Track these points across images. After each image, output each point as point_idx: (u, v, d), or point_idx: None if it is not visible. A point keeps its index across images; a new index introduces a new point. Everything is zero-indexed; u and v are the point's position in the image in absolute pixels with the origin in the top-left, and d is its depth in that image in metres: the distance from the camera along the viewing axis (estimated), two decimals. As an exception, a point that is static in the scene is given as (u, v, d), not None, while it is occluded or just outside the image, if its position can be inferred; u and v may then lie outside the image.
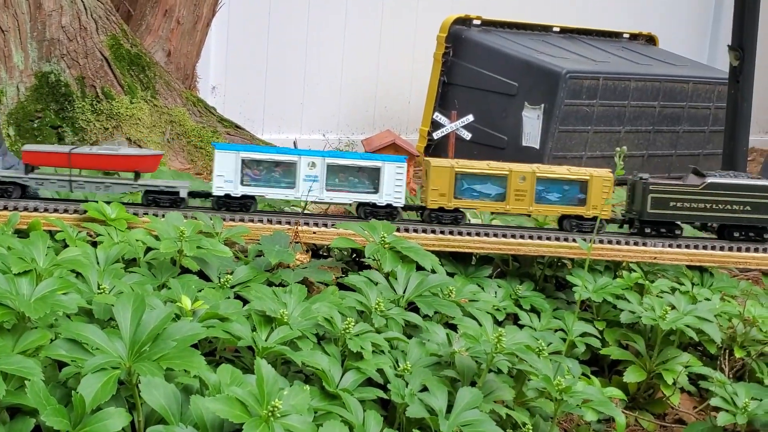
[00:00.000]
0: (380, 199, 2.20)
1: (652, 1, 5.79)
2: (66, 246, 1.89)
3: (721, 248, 2.33)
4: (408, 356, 1.70)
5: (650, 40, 4.98)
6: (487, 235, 2.23)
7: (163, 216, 2.08)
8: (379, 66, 5.08)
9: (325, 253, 2.33)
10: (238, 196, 2.16)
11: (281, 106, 4.84)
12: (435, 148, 4.32)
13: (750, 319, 2.16)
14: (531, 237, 2.25)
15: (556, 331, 2.05)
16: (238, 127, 3.61)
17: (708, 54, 6.06)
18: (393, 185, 2.19)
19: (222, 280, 1.89)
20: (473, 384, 1.65)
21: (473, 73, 4.32)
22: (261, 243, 2.03)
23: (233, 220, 2.16)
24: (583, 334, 2.05)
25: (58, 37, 3.00)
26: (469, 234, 2.23)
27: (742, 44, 3.17)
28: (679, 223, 2.33)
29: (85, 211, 2.05)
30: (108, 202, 2.07)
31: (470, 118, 3.18)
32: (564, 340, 1.93)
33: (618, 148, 1.79)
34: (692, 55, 5.31)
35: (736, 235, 2.34)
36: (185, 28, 3.74)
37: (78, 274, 1.71)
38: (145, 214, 2.11)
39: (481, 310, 1.91)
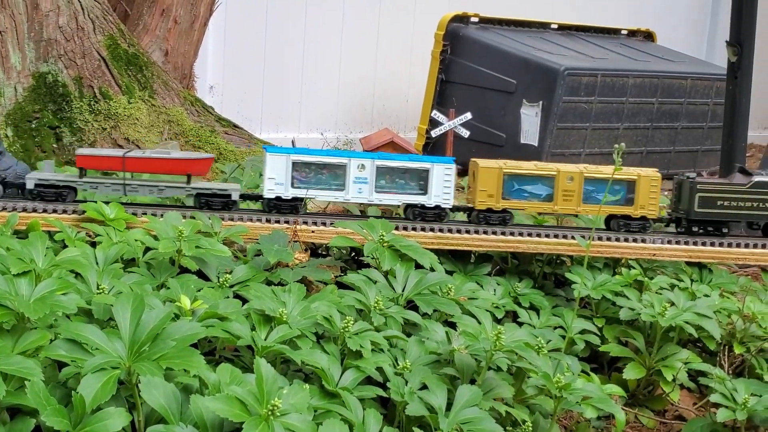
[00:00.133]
0: (429, 200, 2.21)
1: (649, -3, 5.79)
2: (65, 246, 1.89)
3: (720, 244, 2.33)
4: (407, 354, 1.70)
5: (648, 36, 4.98)
6: (485, 232, 2.23)
7: (162, 216, 2.08)
8: (377, 64, 5.08)
9: (323, 252, 2.33)
10: (289, 198, 2.18)
11: (279, 105, 4.84)
12: (433, 146, 4.32)
13: (749, 315, 2.16)
14: (530, 234, 2.25)
15: (555, 328, 2.05)
16: (236, 126, 3.61)
17: (706, 50, 6.06)
18: (441, 186, 2.20)
19: (221, 279, 1.89)
20: (473, 382, 1.65)
21: (471, 71, 4.32)
22: (260, 242, 2.03)
23: (232, 219, 2.16)
24: (583, 331, 2.05)
25: (56, 37, 3.00)
26: (467, 232, 2.23)
27: (740, 40, 3.16)
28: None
29: (84, 212, 2.05)
30: (107, 202, 2.08)
31: (468, 115, 3.18)
32: (563, 337, 1.93)
33: (616, 145, 1.79)
34: (690, 51, 5.32)
35: None
36: (182, 27, 3.74)
37: (77, 275, 1.71)
38: (143, 214, 2.11)
39: (480, 308, 1.91)
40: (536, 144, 4.06)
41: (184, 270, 1.91)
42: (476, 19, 4.45)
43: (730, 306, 2.18)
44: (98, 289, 1.68)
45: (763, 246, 2.35)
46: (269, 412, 1.28)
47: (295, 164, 2.15)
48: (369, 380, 1.61)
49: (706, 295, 2.20)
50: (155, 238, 1.97)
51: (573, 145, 4.13)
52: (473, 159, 2.30)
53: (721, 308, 2.17)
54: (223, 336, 1.59)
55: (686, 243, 2.32)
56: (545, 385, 1.66)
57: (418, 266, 1.99)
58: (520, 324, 2.04)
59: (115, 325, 1.40)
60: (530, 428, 1.65)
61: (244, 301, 1.77)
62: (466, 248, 2.25)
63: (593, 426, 1.97)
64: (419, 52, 4.69)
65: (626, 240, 2.29)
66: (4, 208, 2.07)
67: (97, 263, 1.83)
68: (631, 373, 2.04)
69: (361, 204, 2.33)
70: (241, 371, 1.42)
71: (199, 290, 1.77)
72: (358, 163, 2.16)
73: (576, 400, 1.68)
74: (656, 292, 2.19)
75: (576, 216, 2.41)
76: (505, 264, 2.39)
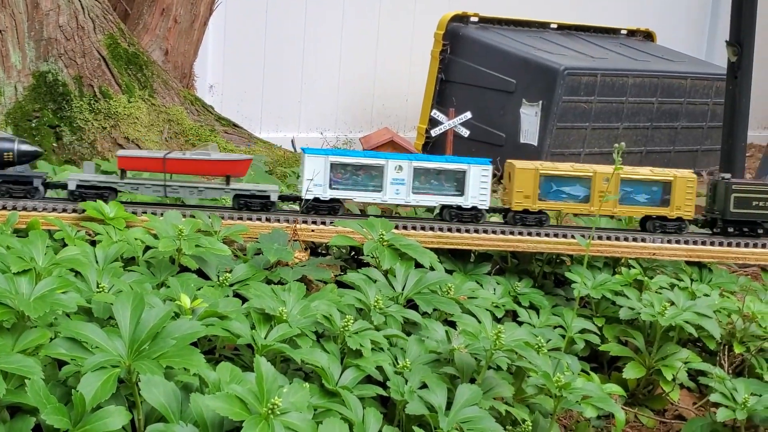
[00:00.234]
0: (465, 201, 2.22)
1: (649, -3, 5.80)
2: (65, 245, 1.89)
3: (720, 244, 2.33)
4: (407, 353, 1.70)
5: (648, 36, 4.98)
6: (485, 231, 2.23)
7: (162, 215, 2.08)
8: (376, 63, 5.08)
9: (323, 251, 2.33)
10: (327, 199, 2.19)
11: (279, 104, 4.84)
12: (433, 145, 4.32)
13: (749, 314, 2.16)
14: (530, 234, 2.25)
15: (555, 327, 2.05)
16: (235, 125, 3.61)
17: (706, 50, 6.06)
18: (478, 188, 2.21)
19: (221, 278, 1.89)
20: (472, 381, 1.65)
21: (471, 71, 4.32)
22: (260, 241, 2.03)
23: (231, 218, 2.16)
24: (582, 331, 2.05)
25: (56, 36, 2.99)
26: (467, 231, 2.23)
27: (740, 40, 3.17)
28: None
29: (84, 210, 2.05)
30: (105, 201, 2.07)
31: (468, 115, 3.18)
32: (563, 336, 1.93)
33: (616, 145, 1.79)
34: (690, 51, 5.32)
35: None
36: (182, 26, 3.74)
37: (77, 273, 1.71)
38: (143, 213, 2.11)
39: (480, 307, 1.91)
40: (536, 143, 4.07)
41: (184, 269, 1.91)
42: (476, 19, 4.45)
43: (730, 305, 2.18)
44: (98, 287, 1.68)
45: (763, 246, 2.35)
46: (269, 411, 1.28)
47: (333, 165, 2.17)
48: (369, 379, 1.61)
49: (706, 295, 2.20)
50: (155, 236, 1.96)
51: (573, 144, 4.13)
52: (509, 160, 2.31)
53: (721, 308, 2.17)
54: (223, 335, 1.59)
55: (686, 242, 2.32)
56: (545, 385, 1.66)
57: (418, 265, 1.99)
58: (520, 323, 2.04)
59: (115, 324, 1.40)
60: (530, 427, 1.65)
61: (244, 300, 1.77)
62: (465, 247, 2.25)
63: (593, 425, 1.97)
64: (419, 51, 4.69)
65: (626, 239, 2.29)
66: (4, 207, 2.07)
67: (97, 262, 1.83)
68: (631, 372, 2.04)
69: (398, 205, 2.34)
70: (241, 370, 1.42)
71: (199, 289, 1.77)
72: (395, 164, 2.17)
73: (576, 399, 1.68)
74: (656, 292, 2.19)
75: (611, 217, 2.42)
76: (505, 263, 2.39)
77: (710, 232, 2.38)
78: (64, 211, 2.08)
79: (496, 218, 2.46)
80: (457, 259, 2.26)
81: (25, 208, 2.07)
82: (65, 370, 1.40)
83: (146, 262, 1.92)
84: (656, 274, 2.33)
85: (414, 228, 2.21)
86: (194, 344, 1.39)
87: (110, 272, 1.76)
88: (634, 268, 2.30)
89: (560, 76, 3.98)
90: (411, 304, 1.92)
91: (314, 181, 2.15)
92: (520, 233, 2.25)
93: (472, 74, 4.31)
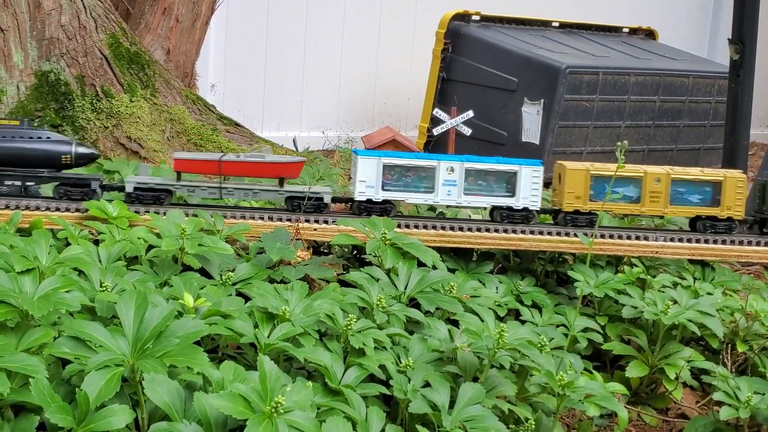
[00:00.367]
0: (516, 202, 2.23)
1: (651, -5, 5.79)
2: (68, 244, 1.89)
3: (723, 242, 2.33)
4: (410, 352, 1.70)
5: (650, 34, 4.97)
6: (488, 230, 2.23)
7: (165, 214, 2.08)
8: (378, 62, 5.08)
9: (326, 250, 2.33)
10: (380, 200, 2.20)
11: (280, 104, 4.84)
12: (435, 144, 4.32)
13: (752, 313, 2.16)
14: (532, 232, 2.25)
15: (557, 326, 2.05)
16: (237, 124, 3.61)
17: (708, 48, 6.05)
18: (530, 189, 2.22)
19: (224, 277, 1.89)
20: (475, 379, 1.65)
21: (472, 69, 4.31)
22: (262, 240, 2.03)
23: (234, 217, 2.16)
24: (585, 330, 2.05)
25: (58, 36, 3.00)
26: (470, 229, 2.23)
27: (743, 38, 3.16)
28: None
29: (87, 210, 2.05)
30: (109, 200, 2.08)
31: (470, 113, 3.18)
32: (566, 335, 1.93)
33: (619, 143, 1.79)
34: (692, 49, 5.31)
35: None
36: (184, 26, 3.74)
37: (80, 272, 1.71)
38: (146, 212, 2.11)
39: (482, 306, 1.91)
40: (537, 142, 4.06)
41: (186, 268, 1.91)
42: (477, 18, 4.45)
43: (733, 304, 2.18)
44: (101, 286, 1.68)
45: (766, 244, 2.35)
46: (273, 410, 1.28)
47: (385, 167, 2.18)
48: (372, 378, 1.61)
49: (709, 293, 2.20)
50: (158, 236, 1.97)
51: (575, 143, 4.13)
52: (559, 161, 2.33)
53: (724, 306, 2.17)
54: (226, 333, 1.59)
55: (689, 241, 2.32)
56: (548, 383, 1.66)
57: (421, 264, 1.99)
58: (523, 322, 2.04)
59: (118, 323, 1.40)
60: (533, 426, 1.65)
61: (247, 298, 1.77)
62: (468, 246, 2.25)
63: (596, 424, 1.97)
64: (420, 50, 4.69)
65: (628, 237, 2.29)
66: (7, 206, 2.07)
67: (100, 261, 1.83)
68: (634, 371, 2.04)
69: (449, 207, 2.36)
70: (244, 369, 1.42)
71: (202, 288, 1.77)
72: (447, 165, 2.18)
73: (579, 398, 1.68)
74: (659, 290, 2.18)
75: (662, 218, 2.42)
76: (508, 262, 2.39)
77: (759, 233, 2.38)
78: (67, 210, 2.09)
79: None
80: (459, 257, 2.26)
81: (28, 207, 2.07)
82: (69, 369, 1.40)
83: (149, 261, 1.92)
84: (659, 273, 2.33)
85: (416, 227, 2.21)
86: (197, 343, 1.39)
87: (113, 271, 1.76)
88: (636, 266, 2.30)
89: (562, 75, 3.98)
90: (414, 303, 1.92)
91: (367, 183, 2.17)
92: (522, 231, 2.25)
93: (474, 73, 4.31)
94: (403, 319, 1.79)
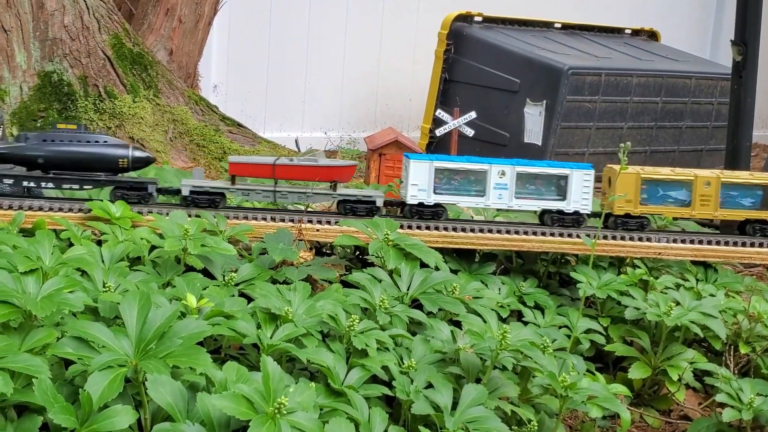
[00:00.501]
0: (567, 206, 2.23)
1: (653, -3, 5.79)
2: (71, 245, 1.90)
3: (726, 243, 2.33)
4: (412, 353, 1.70)
5: (652, 35, 4.97)
6: (490, 231, 2.23)
7: (167, 214, 2.08)
8: (380, 62, 5.08)
9: (328, 251, 2.33)
10: (431, 204, 2.21)
11: (283, 104, 4.84)
12: (437, 145, 4.32)
13: (755, 314, 2.16)
14: (535, 233, 2.25)
15: (560, 327, 2.05)
16: (240, 125, 3.61)
17: (710, 49, 6.05)
18: (580, 192, 2.23)
19: (226, 278, 1.89)
20: (478, 381, 1.65)
21: (475, 70, 4.31)
22: (265, 241, 2.03)
23: (236, 217, 2.16)
24: (588, 331, 2.05)
25: (61, 36, 3.00)
26: (472, 230, 2.23)
27: (745, 39, 3.16)
28: None
29: (90, 210, 2.05)
30: (112, 201, 2.08)
31: (473, 114, 3.18)
32: (568, 336, 1.93)
33: (621, 144, 1.79)
34: (694, 50, 5.31)
35: None
36: (187, 26, 3.75)
37: (83, 273, 1.71)
38: (149, 212, 2.12)
39: (485, 307, 1.91)
40: (540, 143, 4.06)
41: (189, 268, 1.91)
42: (480, 19, 4.45)
43: (736, 306, 2.18)
44: (104, 287, 1.69)
45: (769, 245, 2.35)
46: (276, 410, 1.28)
47: (437, 171, 2.19)
48: (374, 379, 1.61)
49: (712, 295, 2.19)
50: (161, 236, 1.97)
51: (577, 144, 4.13)
52: (609, 165, 2.33)
53: (727, 308, 2.16)
54: (229, 334, 1.59)
55: (691, 242, 2.32)
56: (551, 385, 1.66)
57: (423, 265, 1.99)
58: (525, 323, 2.04)
59: (121, 323, 1.40)
60: (535, 427, 1.65)
61: (250, 299, 1.77)
62: (470, 247, 2.25)
63: (598, 425, 1.97)
64: (423, 50, 4.69)
65: (631, 239, 2.29)
66: (10, 206, 2.07)
67: (103, 261, 1.83)
68: (637, 372, 2.04)
69: (499, 210, 2.37)
70: (247, 369, 1.42)
71: (205, 288, 1.77)
72: (499, 169, 2.19)
73: (581, 399, 1.67)
74: (661, 292, 2.18)
75: (711, 221, 2.43)
76: (510, 263, 2.39)
77: None
78: (70, 210, 2.09)
79: (501, 217, 2.46)
80: (461, 258, 2.26)
81: (31, 208, 2.07)
82: (72, 370, 1.40)
83: (152, 261, 1.93)
84: (661, 274, 2.33)
85: (419, 227, 2.21)
86: (200, 344, 1.39)
87: (116, 272, 1.77)
88: (639, 268, 2.30)
89: (564, 76, 3.98)
90: (416, 304, 1.92)
91: (419, 186, 2.19)
92: (525, 233, 2.25)
93: (476, 74, 4.31)
94: (406, 320, 1.79)
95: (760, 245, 2.34)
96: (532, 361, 1.66)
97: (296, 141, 2.47)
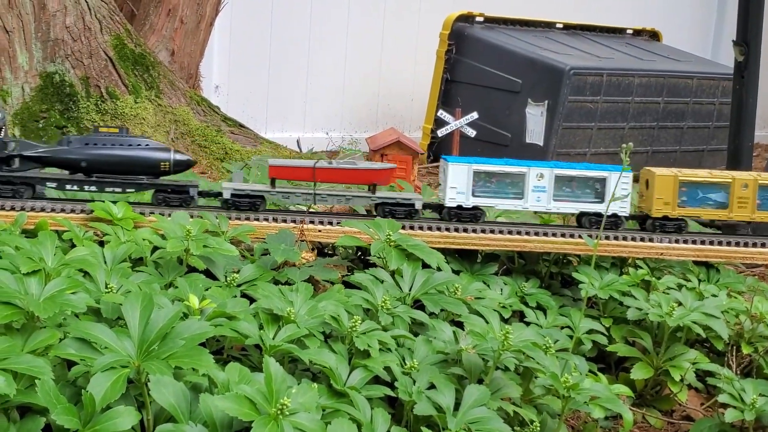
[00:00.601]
0: (605, 208, 2.23)
1: (655, -3, 5.78)
2: (74, 246, 1.90)
3: (728, 243, 2.33)
4: (415, 354, 1.70)
5: (654, 35, 4.97)
6: (492, 232, 2.23)
7: (170, 215, 2.09)
8: (381, 63, 5.08)
9: (330, 252, 2.34)
10: (470, 207, 2.22)
11: (284, 105, 4.84)
12: (438, 145, 4.32)
13: (757, 315, 2.16)
14: (537, 234, 2.25)
15: (562, 328, 2.05)
16: (241, 125, 3.61)
17: (712, 49, 6.05)
18: (618, 194, 2.22)
19: (228, 278, 1.89)
20: (480, 381, 1.65)
21: (476, 70, 4.31)
22: (267, 241, 2.03)
23: (239, 219, 2.16)
24: (590, 331, 2.05)
25: (63, 37, 3.00)
26: (474, 231, 2.23)
27: (747, 39, 3.16)
28: None
29: (92, 211, 2.06)
30: (114, 202, 2.08)
31: (475, 115, 3.18)
32: (570, 337, 1.93)
33: (623, 145, 1.79)
34: (696, 50, 5.30)
35: None
36: (188, 27, 3.75)
37: (86, 274, 1.71)
38: (151, 213, 2.12)
39: (487, 308, 1.91)
40: (541, 143, 4.06)
41: (191, 269, 1.91)
42: (481, 19, 4.45)
43: (738, 306, 2.18)
44: (107, 288, 1.69)
45: (771, 246, 2.34)
46: (278, 411, 1.28)
47: (475, 174, 2.20)
48: (377, 379, 1.61)
49: (714, 295, 2.19)
50: (163, 237, 1.97)
51: (578, 144, 4.13)
52: (646, 167, 2.34)
53: (729, 308, 2.16)
54: (232, 335, 1.59)
55: (693, 242, 2.32)
56: (553, 385, 1.66)
57: (425, 266, 1.99)
58: (527, 324, 2.03)
59: (124, 324, 1.40)
60: (538, 428, 1.65)
61: (252, 300, 1.77)
62: (472, 247, 2.25)
63: (601, 426, 1.97)
64: (424, 51, 4.69)
65: (633, 239, 2.29)
66: (12, 207, 2.08)
67: (105, 262, 1.83)
68: (639, 373, 2.04)
69: (537, 212, 2.37)
70: (250, 370, 1.42)
71: (207, 289, 1.77)
72: (537, 172, 2.20)
73: (584, 400, 1.67)
74: (664, 292, 2.18)
75: (748, 223, 2.43)
76: (512, 264, 2.39)
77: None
78: (72, 211, 2.09)
79: (503, 218, 2.46)
80: (463, 259, 2.26)
81: (33, 209, 2.08)
82: (75, 371, 1.40)
83: (154, 262, 1.93)
84: (664, 275, 2.33)
85: (421, 228, 2.21)
86: (203, 344, 1.39)
87: (119, 273, 1.77)
88: (641, 268, 2.30)
89: (566, 76, 3.98)
90: (418, 305, 1.92)
91: (457, 189, 2.20)
92: (527, 233, 2.25)
93: (478, 74, 4.31)
94: (408, 320, 1.79)
95: (762, 245, 2.34)
96: (535, 362, 1.66)
97: (298, 141, 2.48)
